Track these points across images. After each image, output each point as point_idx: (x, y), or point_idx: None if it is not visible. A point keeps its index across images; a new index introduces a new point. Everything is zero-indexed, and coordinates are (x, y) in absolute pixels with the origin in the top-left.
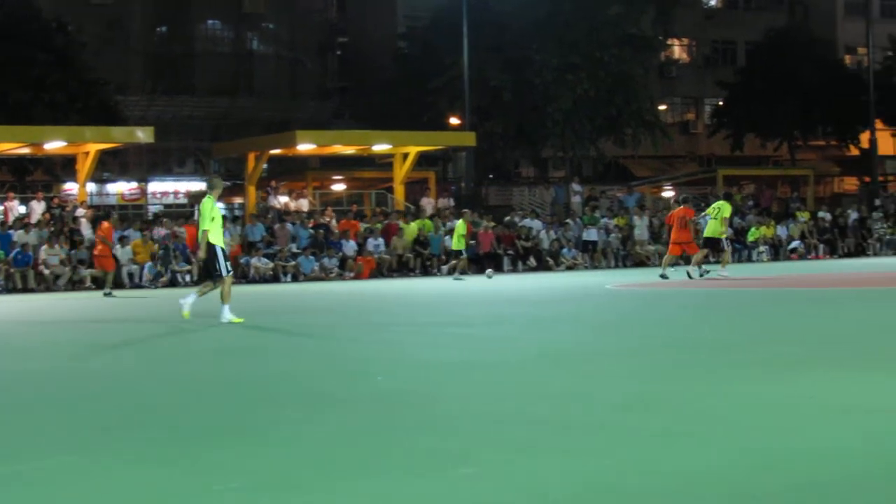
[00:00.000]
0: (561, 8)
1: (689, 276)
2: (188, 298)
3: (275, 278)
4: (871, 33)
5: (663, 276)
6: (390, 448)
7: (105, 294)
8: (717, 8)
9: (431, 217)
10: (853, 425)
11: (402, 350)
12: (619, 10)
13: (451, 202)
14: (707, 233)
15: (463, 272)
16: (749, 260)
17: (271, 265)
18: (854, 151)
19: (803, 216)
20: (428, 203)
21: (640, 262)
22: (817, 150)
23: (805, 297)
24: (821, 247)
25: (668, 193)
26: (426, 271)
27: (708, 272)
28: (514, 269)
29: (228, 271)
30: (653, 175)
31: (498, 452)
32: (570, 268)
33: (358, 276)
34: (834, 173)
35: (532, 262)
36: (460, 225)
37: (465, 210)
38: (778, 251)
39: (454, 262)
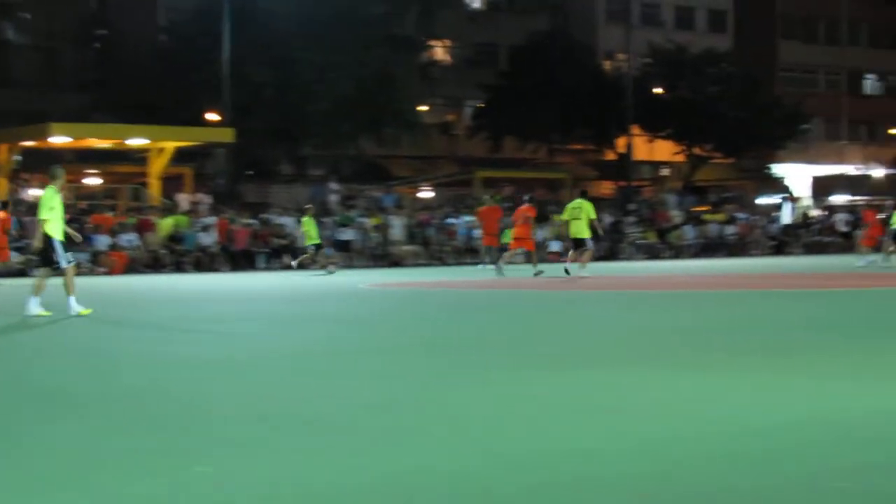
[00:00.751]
0: (324, 6)
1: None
2: (31, 302)
3: (22, 272)
4: (630, 40)
5: (499, 272)
6: (124, 446)
7: None
8: (480, 10)
9: (187, 213)
10: (600, 425)
11: (151, 346)
12: (382, 9)
13: (208, 199)
14: (573, 233)
15: (313, 263)
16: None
17: (22, 259)
18: (611, 156)
19: (559, 219)
20: (184, 199)
21: (396, 262)
22: (575, 153)
23: (559, 299)
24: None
25: (425, 194)
26: (180, 267)
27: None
28: (269, 267)
29: (69, 262)
30: (412, 175)
31: (237, 451)
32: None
33: (110, 272)
34: (591, 177)
35: (287, 259)
36: (308, 221)
37: (309, 206)
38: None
39: (305, 256)
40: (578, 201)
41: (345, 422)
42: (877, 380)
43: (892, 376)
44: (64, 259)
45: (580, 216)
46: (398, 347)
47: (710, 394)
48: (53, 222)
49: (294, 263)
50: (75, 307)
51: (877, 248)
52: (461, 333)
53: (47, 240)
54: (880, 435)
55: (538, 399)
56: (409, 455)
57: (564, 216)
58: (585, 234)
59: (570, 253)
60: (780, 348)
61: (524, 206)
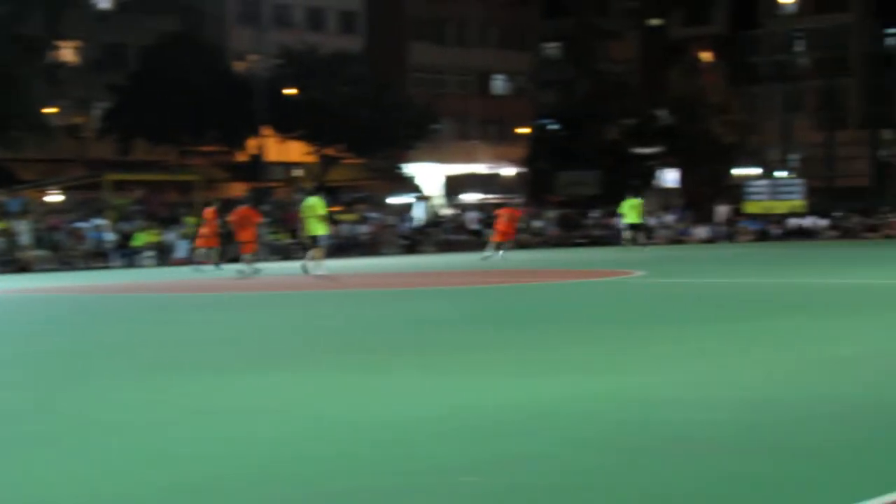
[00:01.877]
0: None
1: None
2: None
3: None
4: (261, 41)
5: (241, 272)
6: None
7: None
8: (109, 10)
9: None
10: (216, 426)
11: None
12: (7, 9)
13: None
14: (308, 231)
15: None
16: (135, 266)
17: None
18: (243, 157)
19: (190, 221)
20: None
21: (24, 268)
22: (207, 155)
23: (189, 303)
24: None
25: (53, 198)
26: None
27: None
28: None
29: None
30: (39, 179)
31: None
32: None
33: None
34: (222, 179)
35: None
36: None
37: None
38: (165, 256)
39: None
40: (311, 199)
41: None
42: (508, 375)
43: (530, 372)
44: None
45: (311, 214)
46: (24, 356)
47: (329, 393)
48: None
49: None
50: None
51: (503, 244)
52: (90, 340)
53: None
54: (512, 430)
55: (154, 402)
56: (35, 463)
57: (301, 214)
58: (318, 230)
59: (310, 252)
60: (408, 346)
61: (243, 208)
